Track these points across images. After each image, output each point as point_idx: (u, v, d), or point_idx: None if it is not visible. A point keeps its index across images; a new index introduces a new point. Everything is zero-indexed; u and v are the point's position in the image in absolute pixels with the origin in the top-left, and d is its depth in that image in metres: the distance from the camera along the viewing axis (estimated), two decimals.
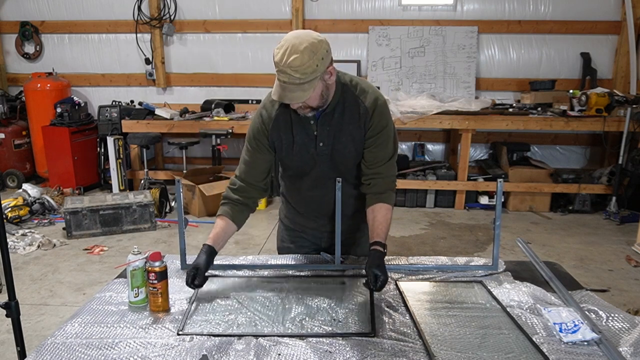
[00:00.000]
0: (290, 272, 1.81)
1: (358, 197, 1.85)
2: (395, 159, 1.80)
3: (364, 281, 1.59)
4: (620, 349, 1.29)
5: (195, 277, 1.59)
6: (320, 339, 1.36)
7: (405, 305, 1.55)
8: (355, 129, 1.73)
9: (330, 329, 1.42)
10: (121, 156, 5.32)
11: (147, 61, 6.06)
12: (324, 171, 1.79)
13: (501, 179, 1.78)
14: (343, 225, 1.81)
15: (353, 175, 1.82)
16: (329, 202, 1.83)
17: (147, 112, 5.61)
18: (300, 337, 1.38)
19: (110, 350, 1.31)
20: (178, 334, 1.40)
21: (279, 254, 2.09)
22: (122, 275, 1.76)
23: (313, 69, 1.49)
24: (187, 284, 1.59)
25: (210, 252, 1.69)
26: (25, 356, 1.82)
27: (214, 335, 1.38)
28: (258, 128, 1.77)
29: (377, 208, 1.74)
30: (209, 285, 1.68)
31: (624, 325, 1.42)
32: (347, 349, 1.31)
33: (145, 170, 5.42)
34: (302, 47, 1.48)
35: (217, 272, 1.80)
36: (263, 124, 1.76)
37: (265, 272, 1.81)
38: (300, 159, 1.78)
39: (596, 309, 1.50)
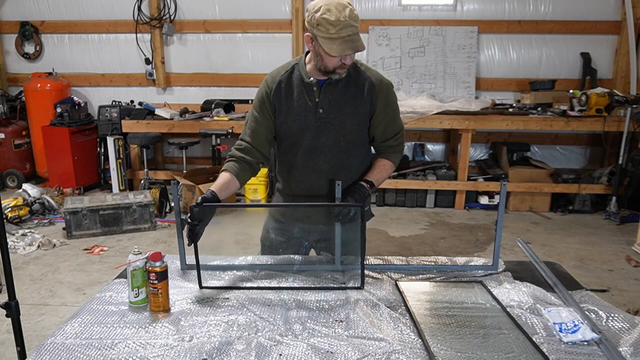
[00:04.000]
0: (289, 272, 1.81)
1: (357, 168, 1.92)
2: (403, 134, 1.94)
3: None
4: (620, 349, 1.29)
5: (194, 232, 1.61)
6: (322, 339, 1.36)
7: (405, 305, 1.55)
8: (361, 103, 1.81)
9: (331, 329, 1.42)
10: (121, 156, 5.32)
11: (147, 61, 6.05)
12: (321, 141, 1.83)
13: (505, 182, 1.80)
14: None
15: (353, 147, 1.88)
16: (322, 179, 1.87)
17: (147, 112, 5.61)
18: (301, 337, 1.38)
19: (109, 351, 1.31)
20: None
21: (262, 244, 2.09)
22: (122, 275, 1.76)
23: (358, 18, 1.65)
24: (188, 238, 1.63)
25: (213, 197, 1.71)
26: (25, 356, 1.82)
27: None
28: (262, 92, 1.87)
29: (376, 161, 1.93)
30: (211, 284, 1.69)
31: (624, 325, 1.42)
32: (349, 349, 1.31)
33: (145, 170, 5.42)
34: (344, 0, 1.61)
35: (217, 273, 1.80)
36: (267, 87, 1.86)
37: (265, 273, 1.81)
38: (298, 124, 1.83)
39: (596, 309, 1.50)
